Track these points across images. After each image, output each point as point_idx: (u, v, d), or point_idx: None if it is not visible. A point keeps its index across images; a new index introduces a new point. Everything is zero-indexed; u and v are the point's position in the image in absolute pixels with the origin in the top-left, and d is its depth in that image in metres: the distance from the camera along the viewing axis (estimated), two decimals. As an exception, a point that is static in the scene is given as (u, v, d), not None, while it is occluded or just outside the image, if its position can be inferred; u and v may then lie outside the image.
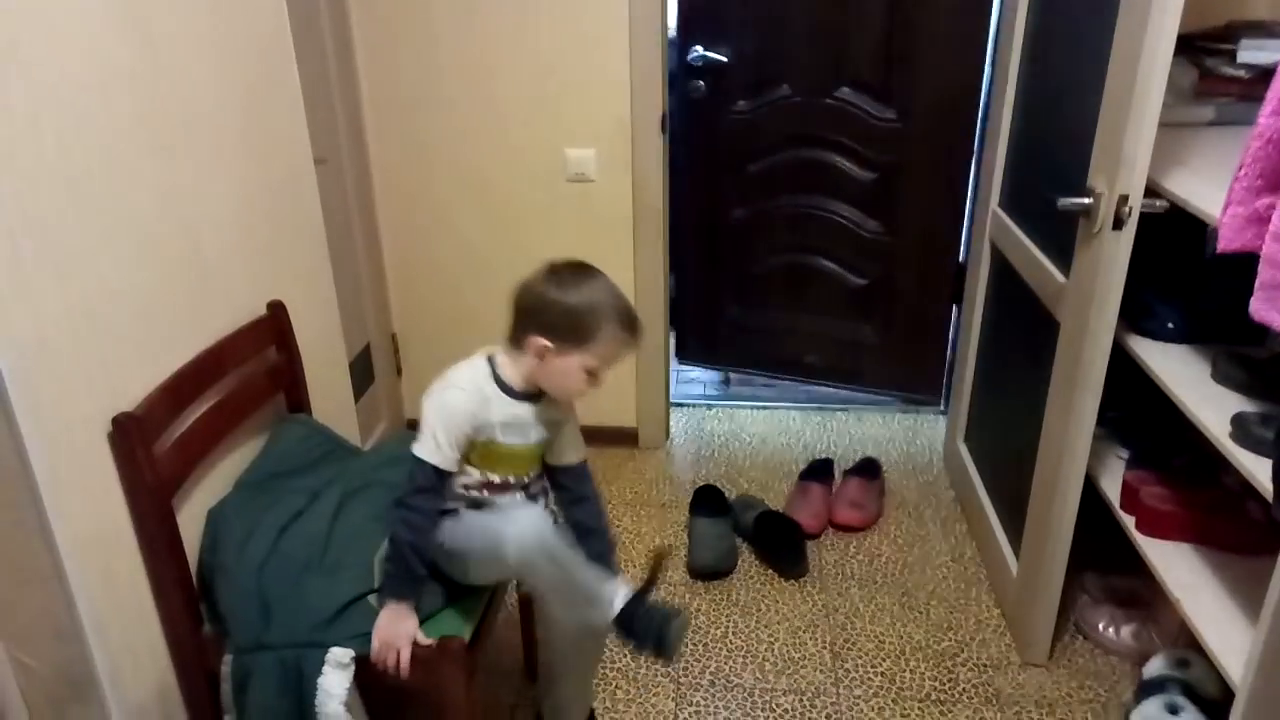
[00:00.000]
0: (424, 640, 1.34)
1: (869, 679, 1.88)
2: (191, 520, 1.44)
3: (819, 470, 2.50)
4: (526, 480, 1.46)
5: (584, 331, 1.32)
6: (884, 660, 1.93)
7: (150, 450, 1.27)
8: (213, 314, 1.50)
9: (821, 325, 2.94)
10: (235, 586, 1.35)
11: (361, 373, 2.53)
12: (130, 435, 1.24)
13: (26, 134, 1.10)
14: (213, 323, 1.50)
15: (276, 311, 1.63)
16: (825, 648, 1.96)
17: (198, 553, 1.43)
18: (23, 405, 1.08)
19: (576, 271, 1.38)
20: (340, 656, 1.30)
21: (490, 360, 1.40)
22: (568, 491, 1.52)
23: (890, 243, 2.77)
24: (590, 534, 1.50)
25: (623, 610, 1.40)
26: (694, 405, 3.03)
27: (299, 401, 1.70)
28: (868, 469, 2.50)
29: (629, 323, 1.37)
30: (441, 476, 1.34)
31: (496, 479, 1.41)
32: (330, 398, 1.91)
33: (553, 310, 1.33)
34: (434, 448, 1.31)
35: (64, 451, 1.16)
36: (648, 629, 1.38)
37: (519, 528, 1.32)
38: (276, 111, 1.71)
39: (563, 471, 1.51)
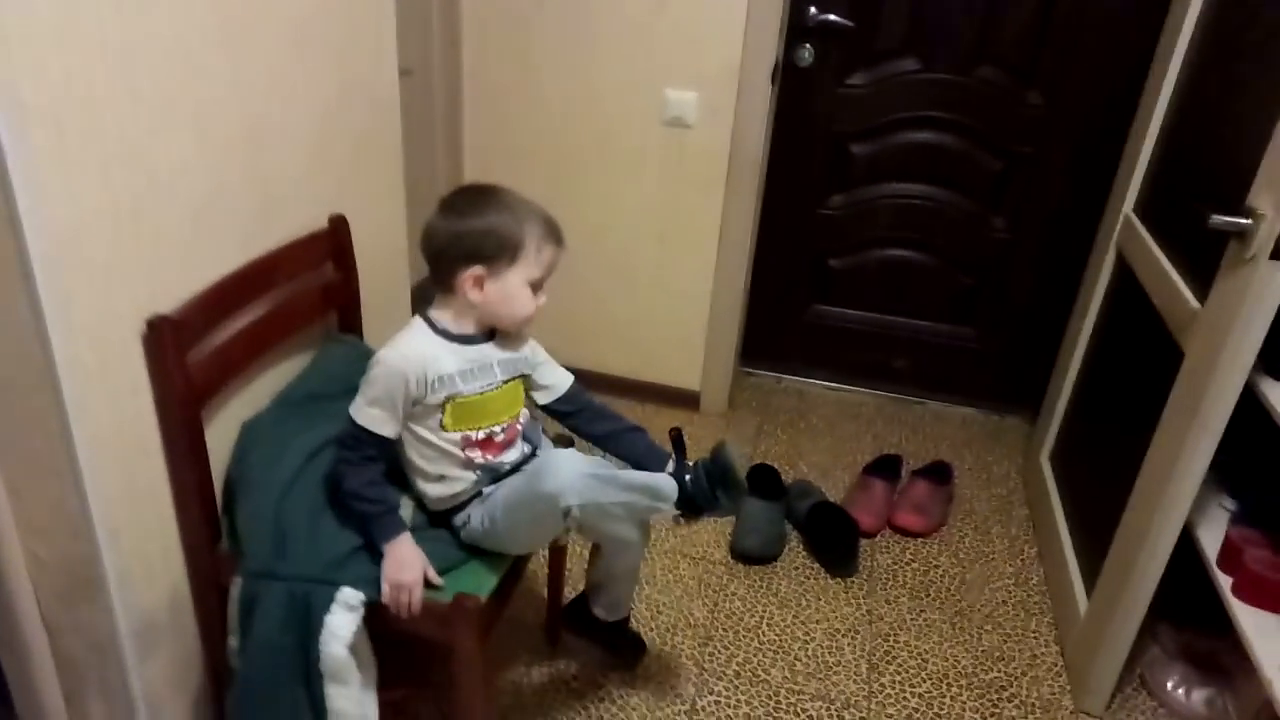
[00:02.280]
0: (436, 580, 1.29)
1: (904, 698, 1.76)
2: (225, 430, 1.39)
3: (885, 466, 2.36)
4: (517, 426, 1.40)
5: (511, 243, 1.28)
6: (924, 681, 1.80)
7: (183, 356, 1.21)
8: (270, 222, 1.43)
9: (916, 328, 2.74)
10: (254, 508, 1.30)
11: (429, 295, 2.46)
12: (164, 339, 1.18)
13: (81, 9, 1.02)
14: (269, 231, 1.43)
15: (337, 226, 1.56)
16: (863, 657, 1.85)
17: (225, 464, 1.39)
18: (52, 295, 1.03)
19: (475, 194, 1.32)
20: (350, 598, 1.25)
21: (426, 319, 1.35)
22: (579, 414, 1.47)
23: (1011, 240, 2.55)
24: (626, 433, 1.46)
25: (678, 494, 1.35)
26: (763, 375, 2.89)
27: (352, 322, 1.64)
28: (937, 472, 2.35)
29: (548, 223, 1.32)
30: (371, 436, 1.29)
31: (480, 434, 1.35)
32: (388, 321, 1.83)
33: (471, 236, 1.27)
34: (361, 405, 1.29)
35: (92, 348, 1.10)
36: (707, 487, 1.35)
37: (560, 478, 1.25)
38: (364, 14, 1.61)
39: (561, 401, 1.46)
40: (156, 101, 1.15)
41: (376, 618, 1.29)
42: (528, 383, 1.43)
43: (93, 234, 1.08)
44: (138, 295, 1.17)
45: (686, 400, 2.64)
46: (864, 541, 2.16)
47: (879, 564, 2.12)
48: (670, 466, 1.42)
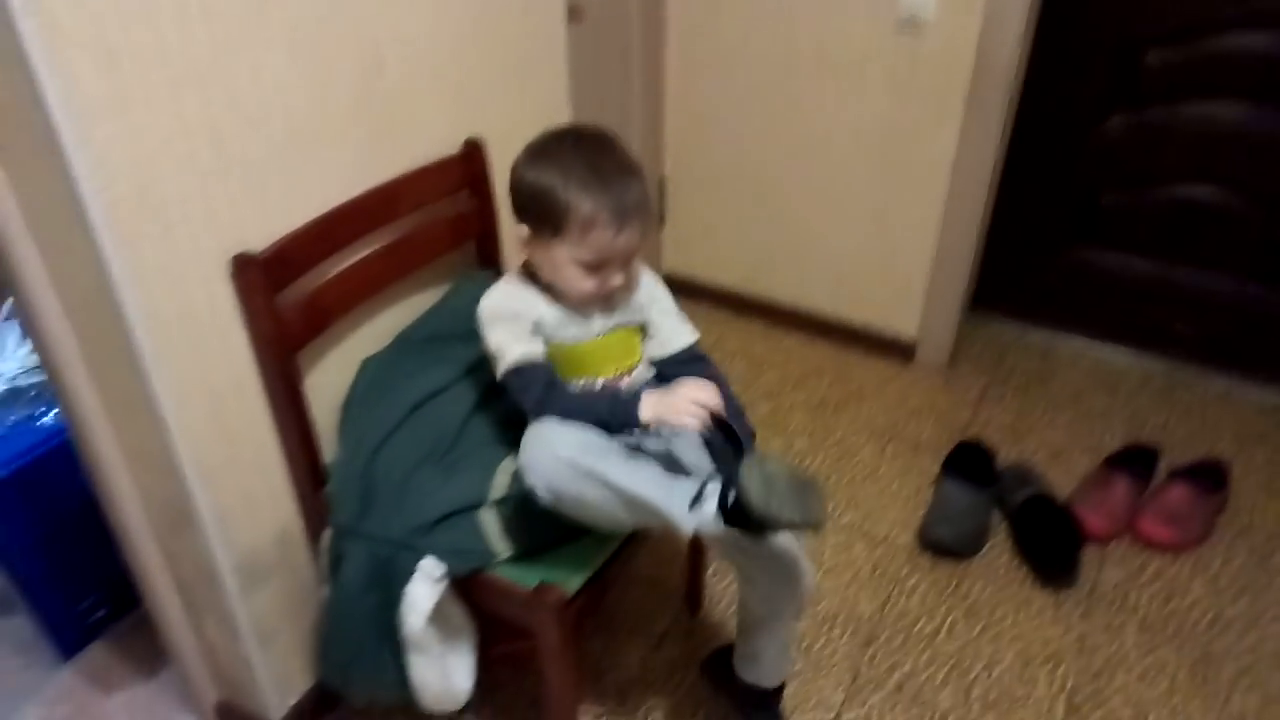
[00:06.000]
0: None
1: (1106, 761, 1.43)
2: (345, 366, 1.33)
3: (1135, 459, 1.90)
4: (624, 380, 1.22)
5: (553, 215, 1.08)
6: (1137, 743, 1.45)
7: (272, 297, 1.14)
8: (393, 147, 1.31)
9: (1212, 285, 2.17)
10: (346, 458, 1.23)
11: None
12: (249, 279, 1.11)
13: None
14: (391, 157, 1.31)
15: (471, 152, 1.41)
16: (1061, 694, 1.52)
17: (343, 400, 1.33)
18: (114, 238, 0.97)
19: (557, 142, 1.13)
20: (432, 569, 1.15)
21: (524, 268, 1.21)
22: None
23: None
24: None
25: (730, 501, 1.01)
26: (1002, 324, 2.46)
27: (491, 255, 1.51)
28: (1207, 475, 1.86)
29: (615, 204, 1.06)
30: (535, 368, 1.13)
31: (578, 386, 1.19)
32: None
33: (524, 191, 1.12)
34: (503, 353, 1.14)
35: (169, 291, 1.05)
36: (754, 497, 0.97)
37: (527, 453, 1.08)
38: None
39: (669, 364, 1.24)
40: (236, 13, 1.04)
41: (473, 595, 1.20)
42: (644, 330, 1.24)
43: (163, 168, 1.01)
44: (224, 233, 1.09)
45: (900, 350, 2.30)
46: (1093, 548, 1.78)
47: (1106, 579, 1.73)
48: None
